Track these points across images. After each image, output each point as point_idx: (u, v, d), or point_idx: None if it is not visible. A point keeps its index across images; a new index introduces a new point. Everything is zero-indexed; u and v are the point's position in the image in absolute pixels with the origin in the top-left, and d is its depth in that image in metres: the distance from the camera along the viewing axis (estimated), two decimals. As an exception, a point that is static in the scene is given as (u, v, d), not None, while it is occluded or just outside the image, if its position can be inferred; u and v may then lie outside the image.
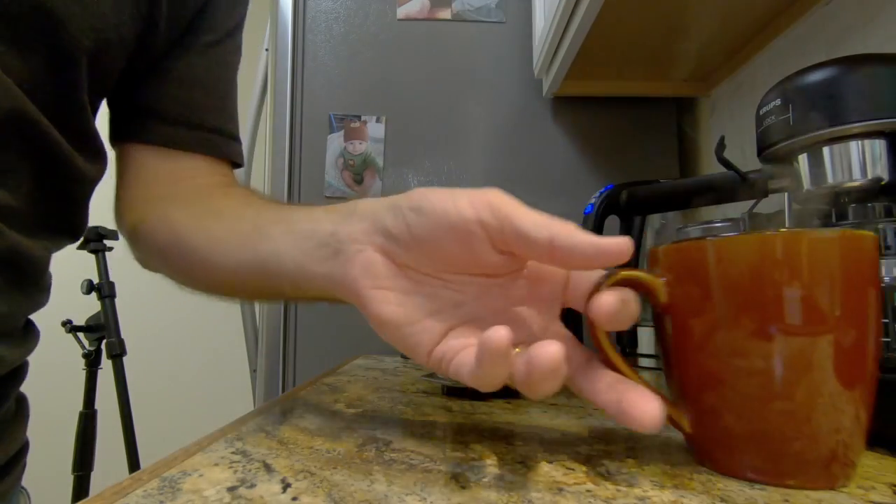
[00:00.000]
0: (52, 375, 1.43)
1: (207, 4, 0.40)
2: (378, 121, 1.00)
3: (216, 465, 0.24)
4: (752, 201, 0.49)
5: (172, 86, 0.40)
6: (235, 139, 0.44)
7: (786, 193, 0.43)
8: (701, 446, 0.25)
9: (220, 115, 0.43)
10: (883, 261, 0.32)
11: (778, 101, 0.40)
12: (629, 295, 0.22)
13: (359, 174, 0.99)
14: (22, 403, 0.37)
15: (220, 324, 2.12)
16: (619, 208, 0.68)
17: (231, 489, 0.21)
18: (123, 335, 1.34)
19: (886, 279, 0.32)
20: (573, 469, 0.24)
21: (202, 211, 0.37)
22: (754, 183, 0.46)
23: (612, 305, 0.21)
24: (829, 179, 0.39)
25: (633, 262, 0.25)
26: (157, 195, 0.40)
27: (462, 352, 0.24)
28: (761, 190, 0.46)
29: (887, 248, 0.33)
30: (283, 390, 0.94)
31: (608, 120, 0.99)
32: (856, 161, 0.37)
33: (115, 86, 0.38)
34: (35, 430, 0.39)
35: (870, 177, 0.37)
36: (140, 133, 0.40)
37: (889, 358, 0.31)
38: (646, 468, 0.24)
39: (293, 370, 0.95)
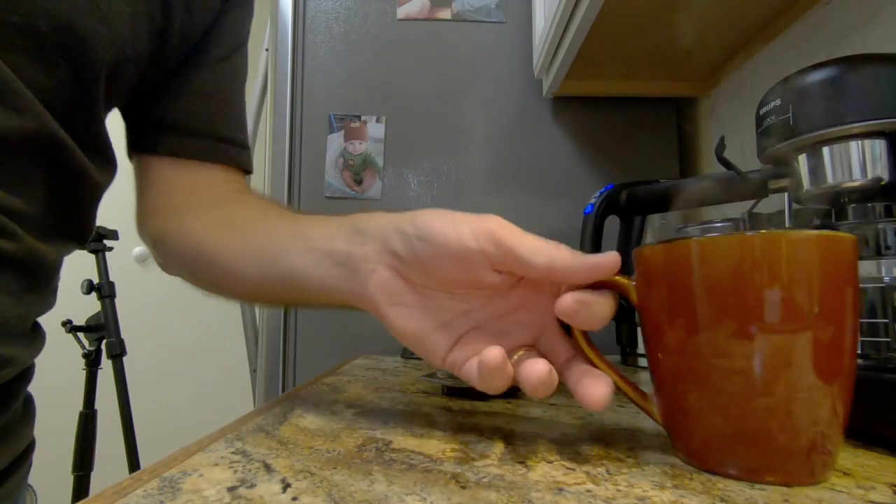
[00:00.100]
0: (52, 375, 1.43)
1: (217, 21, 0.42)
2: (378, 121, 1.00)
3: (216, 465, 0.24)
4: (752, 201, 0.49)
5: (186, 99, 0.42)
6: (246, 148, 0.47)
7: (786, 193, 0.43)
8: (674, 440, 0.26)
9: (232, 125, 0.45)
10: (883, 261, 0.32)
11: (778, 101, 0.40)
12: (590, 297, 0.25)
13: (359, 174, 0.99)
14: (29, 403, 0.38)
15: (220, 324, 2.13)
16: (619, 208, 0.68)
17: (231, 489, 0.21)
18: (123, 335, 1.34)
19: (886, 279, 0.32)
20: (573, 469, 0.24)
21: (220, 221, 0.39)
22: (754, 183, 0.46)
23: (568, 306, 0.25)
24: (829, 179, 0.39)
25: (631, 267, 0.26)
26: (175, 204, 0.42)
27: (470, 359, 0.27)
28: (761, 190, 0.46)
29: (887, 248, 0.33)
30: (283, 390, 0.94)
31: (608, 120, 0.99)
32: (856, 161, 0.37)
33: (132, 101, 0.40)
34: (35, 430, 0.39)
35: (870, 177, 0.37)
36: (157, 145, 0.42)
37: (889, 358, 0.32)
38: (646, 468, 0.24)
39: (293, 370, 0.95)
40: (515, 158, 0.98)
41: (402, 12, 1.02)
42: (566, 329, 0.29)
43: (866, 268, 0.33)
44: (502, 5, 1.02)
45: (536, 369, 0.24)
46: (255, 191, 0.47)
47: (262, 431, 0.30)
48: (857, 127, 0.36)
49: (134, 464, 1.32)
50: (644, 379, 0.56)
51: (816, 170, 0.39)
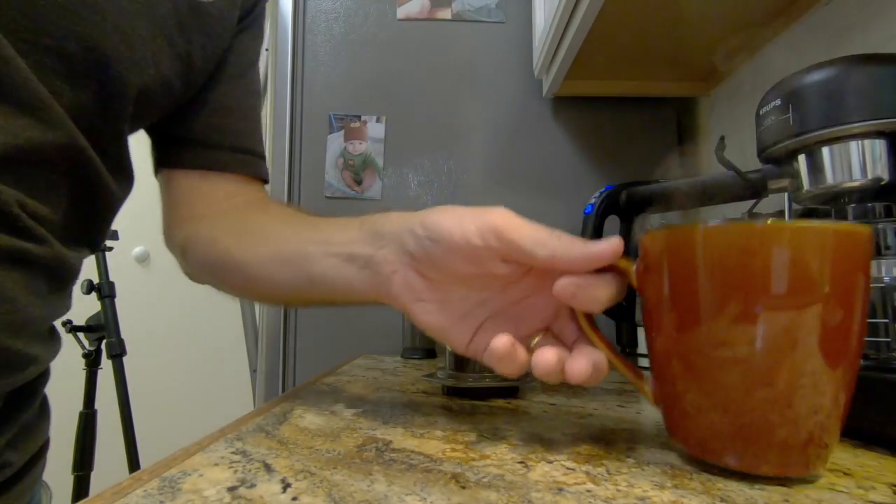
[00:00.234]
0: (53, 375, 1.43)
1: (233, 41, 0.45)
2: (378, 121, 1.00)
3: (216, 465, 0.24)
4: (752, 201, 0.49)
5: (209, 114, 0.45)
6: (263, 158, 0.50)
7: (786, 193, 0.43)
8: (669, 425, 0.26)
9: (251, 138, 0.48)
10: (883, 261, 0.32)
11: (778, 101, 0.40)
12: (586, 280, 0.26)
13: (359, 174, 0.99)
14: (45, 402, 0.40)
15: (220, 324, 2.12)
16: (619, 208, 0.68)
17: (231, 489, 0.21)
18: (123, 335, 1.34)
19: (886, 279, 0.32)
20: (573, 469, 0.24)
21: (245, 229, 0.41)
22: (754, 183, 0.46)
23: (564, 289, 0.26)
24: (829, 179, 0.39)
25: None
26: (201, 214, 0.44)
27: (488, 346, 0.29)
28: (761, 190, 0.46)
29: (887, 247, 0.33)
30: (283, 390, 0.94)
31: (608, 120, 0.99)
32: (856, 161, 0.37)
33: (158, 120, 0.42)
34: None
35: (870, 177, 0.37)
36: (183, 159, 0.45)
37: (889, 358, 0.32)
38: (646, 468, 0.24)
39: (293, 370, 0.95)
40: (515, 158, 0.98)
41: (402, 12, 1.02)
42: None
43: (866, 268, 0.33)
44: (502, 5, 1.02)
45: (544, 358, 0.26)
46: (274, 199, 0.50)
47: (262, 431, 0.30)
48: (857, 127, 0.36)
49: (134, 464, 1.32)
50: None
51: (816, 170, 0.39)
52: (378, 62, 1.01)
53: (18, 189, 0.30)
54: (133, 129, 0.40)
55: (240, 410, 0.38)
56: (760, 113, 0.42)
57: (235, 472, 0.23)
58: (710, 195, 0.52)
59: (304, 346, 0.95)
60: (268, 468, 0.23)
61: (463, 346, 0.31)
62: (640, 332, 0.69)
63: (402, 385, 0.50)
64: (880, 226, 0.33)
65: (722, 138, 0.46)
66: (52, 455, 0.41)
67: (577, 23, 0.70)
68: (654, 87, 0.93)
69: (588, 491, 0.21)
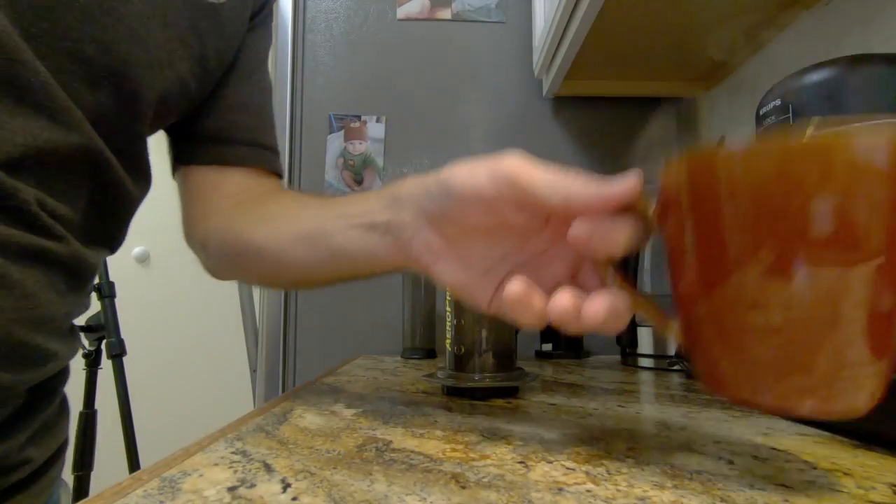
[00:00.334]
0: (52, 375, 1.43)
1: (246, 37, 0.46)
2: (378, 121, 1.00)
3: (216, 465, 0.24)
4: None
5: (223, 111, 0.46)
6: (278, 153, 0.51)
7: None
8: (700, 369, 0.23)
9: (265, 133, 0.49)
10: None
11: (778, 101, 0.40)
12: (599, 223, 0.25)
13: (359, 174, 0.99)
14: (64, 401, 0.40)
15: (220, 324, 2.12)
16: (619, 208, 0.68)
17: (231, 489, 0.21)
18: (123, 335, 1.34)
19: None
20: (573, 469, 0.24)
21: (264, 215, 0.41)
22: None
23: (578, 236, 0.25)
24: (829, 179, 0.39)
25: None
26: (221, 207, 0.45)
27: None
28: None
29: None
30: (283, 390, 0.94)
31: (608, 120, 0.99)
32: (856, 161, 0.37)
33: (176, 119, 0.43)
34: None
35: (870, 177, 0.37)
36: (199, 156, 0.46)
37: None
38: (646, 468, 0.24)
39: (293, 370, 0.95)
40: (515, 158, 0.98)
41: (402, 12, 1.02)
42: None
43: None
44: (502, 5, 1.02)
45: (559, 302, 0.25)
46: (289, 189, 0.51)
47: (262, 431, 0.30)
48: (856, 127, 0.36)
49: (134, 464, 1.32)
50: (645, 379, 0.56)
51: (816, 170, 0.39)
52: (378, 62, 1.01)
53: (38, 189, 0.31)
54: (153, 131, 0.41)
55: (240, 410, 0.38)
56: (760, 113, 0.42)
57: (235, 472, 0.23)
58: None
59: (304, 346, 0.95)
60: (268, 468, 0.23)
61: (486, 302, 0.30)
62: (640, 332, 0.69)
63: (402, 385, 0.50)
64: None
65: (722, 138, 0.46)
66: (51, 455, 0.41)
67: (577, 23, 0.70)
68: (654, 87, 0.93)
69: (588, 491, 0.21)
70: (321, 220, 0.36)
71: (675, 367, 0.62)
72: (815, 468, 0.24)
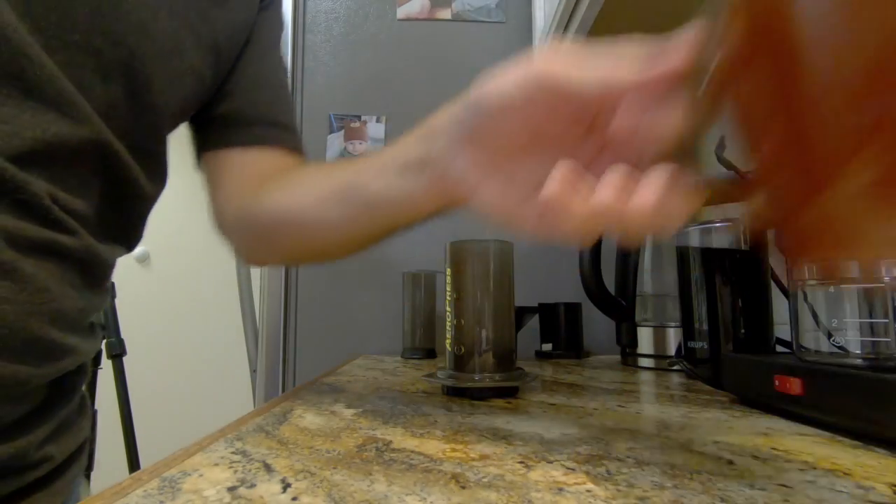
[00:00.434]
0: (52, 375, 1.42)
1: (257, 18, 0.46)
2: (378, 121, 1.00)
3: (216, 465, 0.24)
4: (752, 201, 0.49)
5: (243, 90, 0.45)
6: (298, 136, 0.50)
7: (786, 193, 0.43)
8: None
9: (286, 112, 0.48)
10: (883, 261, 0.32)
11: (778, 101, 0.40)
12: (647, 109, 0.21)
13: (359, 174, 0.99)
14: (84, 400, 0.40)
15: (220, 324, 2.13)
16: (619, 208, 0.68)
17: (231, 489, 0.21)
18: (123, 335, 1.34)
19: (886, 279, 0.32)
20: (573, 469, 0.24)
21: (296, 183, 0.40)
22: (754, 183, 0.46)
23: (620, 126, 0.22)
24: (829, 179, 0.38)
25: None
26: (246, 189, 0.43)
27: None
28: (761, 190, 0.46)
29: (887, 247, 0.33)
30: (283, 390, 0.94)
31: (608, 120, 0.99)
32: (856, 161, 0.37)
33: (197, 110, 0.43)
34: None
35: (870, 177, 0.37)
36: (222, 139, 0.45)
37: (889, 358, 0.32)
38: (646, 468, 0.24)
39: (293, 370, 0.95)
40: (515, 158, 0.98)
41: (402, 12, 1.02)
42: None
43: (866, 268, 0.33)
44: (502, 5, 1.02)
45: (602, 194, 0.21)
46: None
47: (262, 431, 0.30)
48: (857, 127, 0.36)
49: (134, 464, 1.32)
50: (645, 379, 0.56)
51: (816, 170, 0.39)
52: (378, 62, 1.01)
53: (50, 182, 0.31)
54: (173, 126, 0.41)
55: (240, 410, 0.38)
56: (760, 113, 0.42)
57: (235, 472, 0.23)
58: (710, 195, 0.52)
59: (304, 346, 0.95)
60: (268, 468, 0.23)
61: (533, 226, 0.27)
62: (641, 332, 0.69)
63: (402, 385, 0.50)
64: (880, 225, 0.33)
65: (722, 138, 0.46)
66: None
67: (577, 23, 0.70)
68: (654, 87, 0.93)
69: (588, 491, 0.21)
70: (351, 174, 0.35)
71: (675, 367, 0.62)
72: (815, 468, 0.24)
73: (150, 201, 0.41)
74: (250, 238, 0.43)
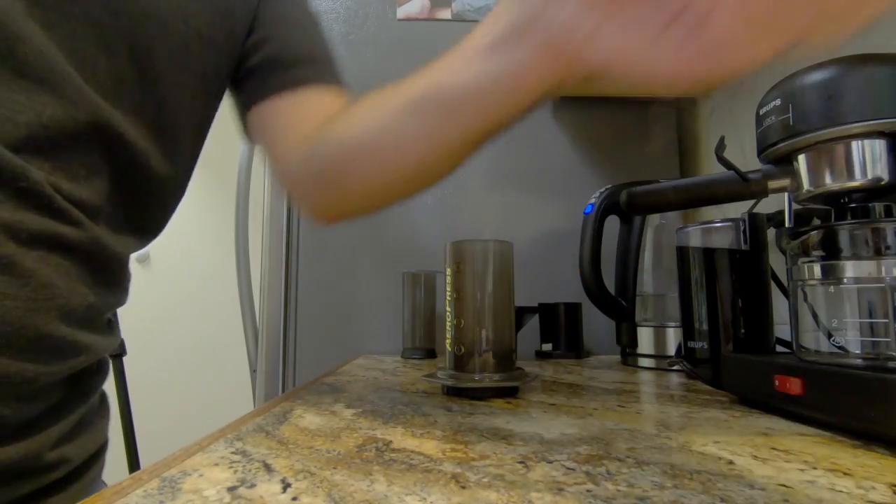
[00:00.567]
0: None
1: None
2: (378, 121, 1.00)
3: (216, 465, 0.24)
4: (752, 201, 0.49)
5: (274, 36, 0.43)
6: (340, 70, 0.47)
7: (786, 193, 0.43)
8: None
9: (324, 48, 0.46)
10: (883, 261, 0.32)
11: (778, 101, 0.40)
12: None
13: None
14: (104, 400, 0.39)
15: (220, 324, 2.13)
16: (619, 208, 0.68)
17: (231, 489, 0.21)
18: (123, 335, 1.34)
19: (887, 279, 0.32)
20: (573, 469, 0.24)
21: (363, 108, 0.36)
22: (754, 183, 0.46)
23: None
24: (829, 179, 0.39)
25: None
26: (309, 132, 0.40)
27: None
28: (761, 190, 0.46)
29: (887, 248, 0.33)
30: (283, 390, 0.94)
31: (608, 120, 0.99)
32: (856, 161, 0.37)
33: (229, 76, 0.41)
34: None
35: (870, 177, 0.37)
36: (267, 89, 0.42)
37: (889, 358, 0.32)
38: (646, 468, 0.24)
39: (293, 370, 0.95)
40: (515, 158, 0.98)
41: (402, 12, 1.02)
42: None
43: (866, 268, 0.33)
44: (502, 5, 1.02)
45: None
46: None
47: (262, 431, 0.30)
48: (856, 127, 0.36)
49: (134, 464, 1.32)
50: (645, 379, 0.56)
51: (816, 170, 0.39)
52: (378, 62, 1.01)
53: (53, 171, 0.29)
54: (195, 95, 0.38)
55: (240, 410, 0.38)
56: (760, 113, 0.42)
57: (235, 472, 0.23)
58: (710, 195, 0.52)
59: (304, 346, 0.95)
60: (268, 468, 0.23)
61: (668, 75, 0.22)
62: (641, 332, 0.69)
63: (402, 385, 0.50)
64: (880, 226, 0.33)
65: (722, 138, 0.46)
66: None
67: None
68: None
69: (588, 491, 0.21)
70: (428, 79, 0.30)
71: (675, 367, 0.62)
72: (815, 468, 0.24)
73: (169, 183, 0.38)
74: (322, 184, 0.38)
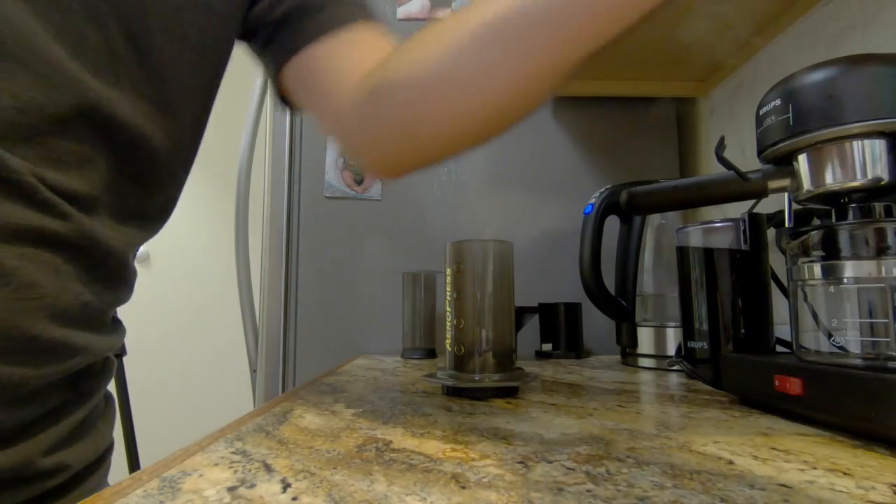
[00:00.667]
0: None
1: None
2: (378, 121, 1.00)
3: (216, 465, 0.24)
4: (752, 201, 0.49)
5: None
6: (373, 8, 0.43)
7: (786, 193, 0.43)
8: None
9: None
10: (883, 261, 0.32)
11: (778, 101, 0.40)
12: None
13: (359, 174, 0.99)
14: (110, 402, 0.37)
15: (220, 324, 2.13)
16: (619, 208, 0.68)
17: (231, 489, 0.21)
18: (123, 335, 1.33)
19: (887, 279, 0.32)
20: (573, 469, 0.24)
21: (423, 41, 0.33)
22: (754, 183, 0.46)
23: None
24: (829, 179, 0.39)
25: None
26: (358, 79, 0.36)
27: None
28: (761, 190, 0.46)
29: (887, 248, 0.33)
30: (283, 390, 0.94)
31: (608, 120, 0.99)
32: (856, 161, 0.37)
33: (254, 26, 0.38)
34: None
35: (870, 177, 0.37)
36: (301, 38, 0.38)
37: (889, 358, 0.32)
38: (646, 468, 0.24)
39: (293, 370, 0.95)
40: (515, 158, 0.98)
41: (402, 12, 1.02)
42: None
43: (866, 268, 0.33)
44: (502, 5, 1.02)
45: None
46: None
47: (262, 431, 0.30)
48: (856, 127, 0.36)
49: (134, 464, 1.32)
50: (645, 379, 0.56)
51: (816, 170, 0.39)
52: (378, 62, 1.01)
53: (38, 160, 0.27)
54: (198, 64, 0.35)
55: (240, 410, 0.38)
56: (760, 113, 0.42)
57: (235, 472, 0.23)
58: (710, 195, 0.52)
59: (304, 346, 0.95)
60: (268, 468, 0.23)
61: None
62: (641, 332, 0.69)
63: (402, 385, 0.50)
64: (880, 226, 0.33)
65: (722, 138, 0.46)
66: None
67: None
68: (654, 87, 0.93)
69: (588, 491, 0.21)
70: (503, 3, 0.27)
71: (675, 367, 0.62)
72: (815, 468, 0.24)
73: (172, 164, 0.36)
74: (387, 134, 0.35)
